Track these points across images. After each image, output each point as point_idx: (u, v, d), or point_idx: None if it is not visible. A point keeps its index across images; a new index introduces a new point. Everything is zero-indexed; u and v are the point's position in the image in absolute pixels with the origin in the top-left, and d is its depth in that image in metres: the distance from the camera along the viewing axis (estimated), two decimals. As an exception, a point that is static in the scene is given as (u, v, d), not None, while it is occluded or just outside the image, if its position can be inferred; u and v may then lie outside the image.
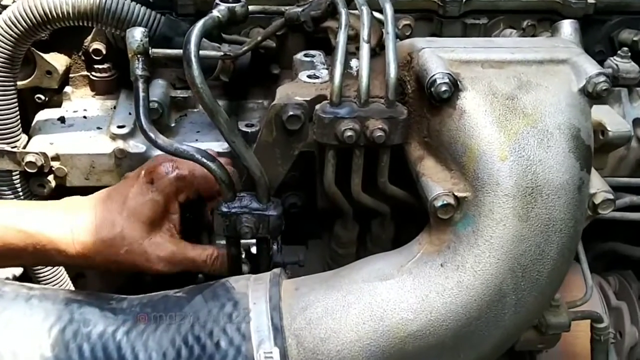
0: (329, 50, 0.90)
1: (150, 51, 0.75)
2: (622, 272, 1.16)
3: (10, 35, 0.88)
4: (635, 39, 1.05)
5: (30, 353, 0.62)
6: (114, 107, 1.03)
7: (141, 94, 0.73)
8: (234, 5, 0.76)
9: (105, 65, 1.04)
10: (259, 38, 0.89)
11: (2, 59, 0.88)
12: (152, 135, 0.72)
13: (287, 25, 0.86)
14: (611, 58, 1.02)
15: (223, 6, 0.75)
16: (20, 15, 0.87)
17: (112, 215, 0.77)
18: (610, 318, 1.08)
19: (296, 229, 0.92)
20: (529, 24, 1.06)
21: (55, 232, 0.76)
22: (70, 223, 0.77)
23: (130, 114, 1.00)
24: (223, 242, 0.82)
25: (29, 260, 0.78)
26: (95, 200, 0.80)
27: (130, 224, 0.77)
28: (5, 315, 0.64)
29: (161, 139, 0.72)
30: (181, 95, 1.04)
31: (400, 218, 0.87)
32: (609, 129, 0.85)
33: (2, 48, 0.88)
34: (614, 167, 0.96)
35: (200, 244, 0.86)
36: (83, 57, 1.05)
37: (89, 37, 1.03)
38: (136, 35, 0.73)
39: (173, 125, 1.01)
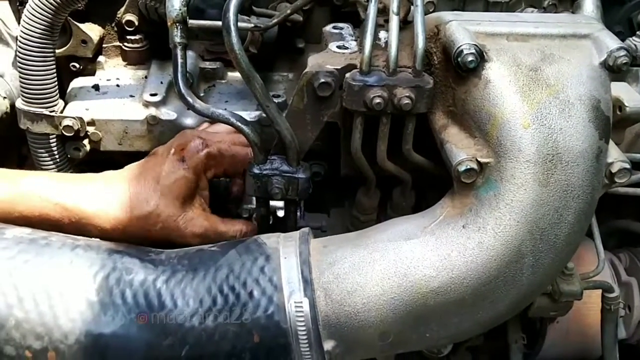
0: (354, 23, 0.93)
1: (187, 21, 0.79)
2: (633, 249, 1.19)
3: (50, 4, 0.91)
4: (653, 20, 1.07)
5: (77, 296, 0.67)
6: (146, 77, 1.06)
7: (179, 61, 0.76)
8: (269, -22, 0.79)
9: (137, 37, 1.08)
10: (288, 11, 0.91)
11: (42, 27, 0.92)
12: (190, 99, 0.76)
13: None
14: (630, 38, 1.04)
15: (259, -21, 0.78)
16: (61, -16, 0.90)
17: (146, 193, 0.79)
18: (620, 292, 1.12)
19: (318, 197, 0.96)
20: (550, 3, 1.08)
21: (91, 207, 0.78)
22: (105, 199, 0.79)
23: (161, 82, 1.03)
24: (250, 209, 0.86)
25: (67, 231, 0.79)
26: (129, 176, 0.82)
27: (165, 201, 0.79)
28: (53, 262, 0.68)
29: (199, 104, 0.76)
30: (210, 67, 1.07)
31: (421, 187, 0.90)
32: (626, 104, 0.87)
33: (43, 16, 0.91)
34: (630, 144, 0.99)
35: (229, 216, 0.90)
36: (116, 28, 1.08)
37: (122, 9, 1.06)
38: (175, 4, 0.76)
39: (202, 95, 1.05)
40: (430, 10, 1.06)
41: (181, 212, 0.79)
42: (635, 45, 1.03)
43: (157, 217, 0.78)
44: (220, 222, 0.83)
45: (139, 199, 0.78)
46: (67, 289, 0.66)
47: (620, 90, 0.90)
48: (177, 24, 0.77)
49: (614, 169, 0.71)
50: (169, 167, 0.80)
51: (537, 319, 1.06)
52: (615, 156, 0.72)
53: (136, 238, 0.79)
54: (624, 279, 1.15)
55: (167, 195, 0.79)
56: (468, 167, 0.69)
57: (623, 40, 1.04)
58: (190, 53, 1.06)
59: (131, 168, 0.83)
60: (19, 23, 1.03)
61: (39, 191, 0.77)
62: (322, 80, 0.76)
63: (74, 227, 0.78)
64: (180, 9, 0.77)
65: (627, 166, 0.71)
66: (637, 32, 1.04)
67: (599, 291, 0.97)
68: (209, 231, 0.81)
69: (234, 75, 1.07)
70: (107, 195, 0.79)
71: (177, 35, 0.77)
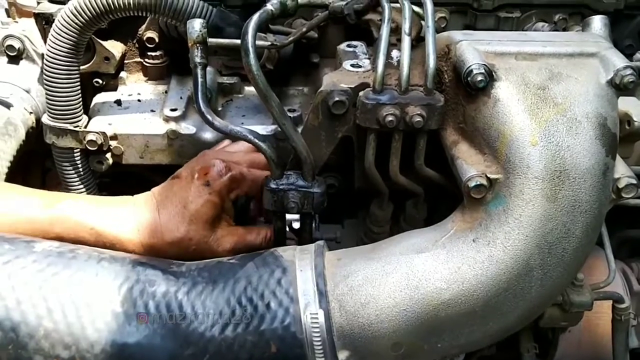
0: (367, 40, 0.96)
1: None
2: (645, 259, 1.20)
3: (76, 24, 0.94)
4: (664, 34, 1.08)
5: (102, 307, 0.70)
6: (166, 92, 1.10)
7: (199, 80, 0.80)
8: (285, -1, 0.82)
9: (157, 53, 1.12)
10: (304, 29, 0.94)
11: (68, 46, 0.95)
12: (209, 117, 0.79)
13: (331, 17, 0.91)
14: (640, 52, 1.06)
15: (276, 0, 0.81)
16: (86, 6, 0.93)
17: (176, 220, 0.82)
18: (632, 302, 1.13)
19: (333, 209, 0.98)
20: (561, 17, 1.10)
21: (124, 233, 0.81)
22: (137, 225, 0.82)
23: (181, 98, 1.07)
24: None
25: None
26: (157, 202, 0.84)
27: (194, 227, 0.82)
28: (80, 274, 0.72)
29: (217, 121, 0.79)
30: (227, 82, 1.11)
31: (433, 199, 0.92)
32: (635, 119, 0.89)
33: (69, 35, 0.95)
34: (640, 157, 1.01)
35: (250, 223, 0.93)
36: (137, 45, 1.12)
37: (143, 26, 1.10)
38: (196, 26, 0.79)
39: (220, 109, 1.08)
40: (442, 26, 1.09)
41: (210, 233, 0.83)
42: (645, 58, 1.04)
43: (189, 241, 0.81)
44: (247, 233, 0.87)
45: (169, 227, 0.81)
46: (93, 300, 0.70)
47: (629, 104, 0.91)
48: (198, 45, 0.80)
49: (621, 185, 0.73)
50: (195, 193, 0.83)
51: (549, 329, 1.08)
52: (622, 172, 0.74)
53: (170, 258, 0.81)
54: (635, 288, 1.16)
55: (196, 220, 0.82)
56: (478, 182, 0.71)
57: (633, 53, 1.07)
58: (208, 68, 1.09)
59: (158, 193, 0.85)
60: (44, 41, 1.08)
61: (76, 215, 0.80)
62: (337, 98, 0.78)
63: (107, 248, 0.81)
64: (200, 31, 0.80)
65: (634, 181, 0.73)
66: (647, 46, 1.06)
67: (611, 301, 0.99)
68: (238, 244, 0.85)
69: (251, 89, 1.10)
70: (138, 222, 0.82)
71: (197, 56, 0.80)
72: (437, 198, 0.92)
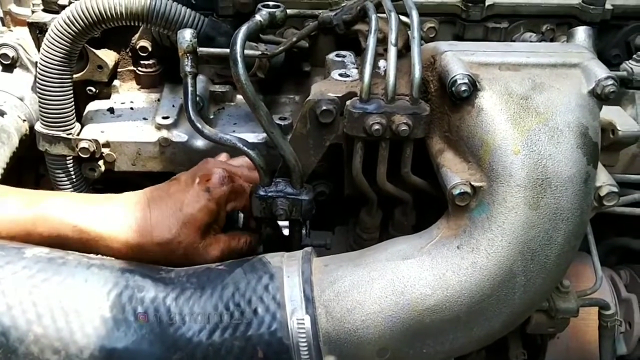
0: (357, 49, 0.97)
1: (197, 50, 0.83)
2: (633, 266, 1.21)
3: (69, 33, 0.96)
4: (650, 44, 1.10)
5: (92, 313, 0.71)
6: (158, 100, 1.11)
7: (189, 89, 0.81)
8: (274, 10, 0.84)
9: (150, 61, 1.13)
10: (294, 39, 0.95)
11: (61, 55, 0.97)
12: (199, 125, 0.80)
13: (320, 28, 0.93)
14: (627, 62, 1.07)
15: (265, 11, 0.83)
16: (78, 15, 0.95)
17: (168, 220, 0.80)
18: (620, 309, 1.14)
19: (323, 216, 1.00)
20: (548, 28, 1.12)
21: (109, 230, 0.79)
22: (125, 223, 0.80)
23: (173, 106, 1.08)
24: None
25: (86, 252, 0.79)
26: (150, 201, 0.82)
27: (187, 230, 0.81)
28: (70, 280, 0.72)
29: (207, 129, 0.80)
30: (219, 90, 1.12)
31: (421, 206, 0.94)
32: (618, 128, 0.90)
33: (62, 44, 0.96)
34: (626, 165, 1.02)
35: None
36: (130, 54, 1.14)
37: (136, 35, 1.12)
38: (186, 36, 0.81)
39: (212, 117, 1.09)
40: (432, 36, 1.11)
41: (200, 240, 0.82)
42: (631, 68, 1.06)
43: (179, 244, 0.81)
44: (231, 239, 0.87)
45: (160, 226, 0.80)
46: (82, 306, 0.70)
47: (613, 113, 0.93)
48: (188, 54, 0.81)
49: (603, 193, 0.75)
50: (193, 196, 0.82)
51: (537, 335, 1.09)
52: (604, 180, 0.75)
53: (154, 261, 0.80)
54: (624, 295, 1.17)
55: (189, 224, 0.81)
56: (462, 190, 0.73)
57: (620, 63, 1.08)
58: (200, 77, 1.11)
59: (152, 192, 0.84)
60: (38, 49, 1.09)
61: (58, 213, 0.79)
62: (324, 107, 0.80)
63: (92, 249, 0.80)
64: (190, 40, 0.81)
65: (615, 190, 0.74)
66: (634, 55, 1.07)
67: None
68: (224, 251, 0.85)
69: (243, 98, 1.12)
70: (127, 219, 0.80)
71: (187, 65, 0.81)
72: (426, 205, 0.93)
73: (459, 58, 0.76)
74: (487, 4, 1.08)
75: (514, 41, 1.11)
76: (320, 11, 0.96)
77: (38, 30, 1.06)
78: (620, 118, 0.91)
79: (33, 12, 1.09)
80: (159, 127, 1.04)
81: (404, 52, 0.86)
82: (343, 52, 0.94)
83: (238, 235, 0.89)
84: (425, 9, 1.08)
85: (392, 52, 0.77)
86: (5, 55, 1.11)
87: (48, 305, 0.70)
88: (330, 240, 1.03)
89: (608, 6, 1.10)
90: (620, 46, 1.15)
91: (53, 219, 0.79)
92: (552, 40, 1.12)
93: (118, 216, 0.81)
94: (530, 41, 1.10)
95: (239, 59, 0.75)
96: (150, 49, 1.12)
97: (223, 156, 0.96)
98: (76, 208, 0.80)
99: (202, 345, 0.71)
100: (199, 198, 0.82)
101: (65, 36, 0.96)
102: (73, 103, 1.03)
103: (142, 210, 0.81)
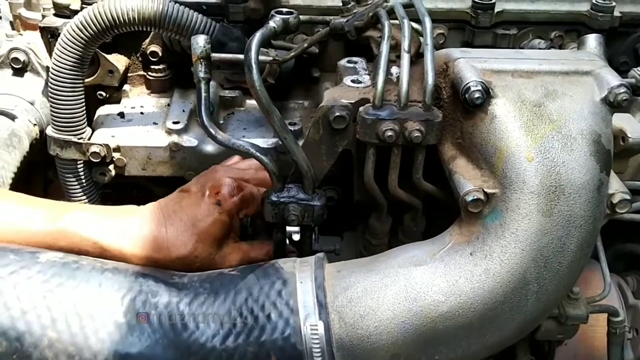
0: (367, 56, 0.98)
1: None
2: (640, 273, 1.21)
3: (82, 38, 0.97)
4: (658, 51, 1.10)
5: (106, 318, 0.71)
6: (169, 105, 1.12)
7: (203, 94, 0.81)
8: (288, 16, 0.84)
9: (160, 66, 1.14)
10: (305, 45, 0.96)
11: (73, 59, 0.97)
12: (212, 131, 0.80)
13: (332, 34, 0.93)
14: (635, 69, 1.07)
15: (278, 17, 0.83)
16: (91, 20, 0.95)
17: (183, 237, 0.81)
18: (628, 315, 1.14)
19: (332, 221, 1.00)
20: (557, 34, 1.13)
21: (129, 247, 0.80)
22: (143, 240, 0.80)
23: (183, 111, 1.09)
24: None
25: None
26: (164, 217, 0.82)
27: (202, 245, 0.82)
28: (84, 285, 0.73)
29: (220, 135, 0.81)
30: (229, 95, 1.13)
31: (431, 213, 0.94)
32: (629, 135, 0.90)
33: (74, 49, 0.97)
34: (635, 172, 1.02)
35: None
36: (140, 58, 1.14)
37: (147, 40, 1.12)
38: (200, 42, 0.81)
39: (222, 122, 1.10)
40: (441, 42, 1.11)
41: (217, 251, 0.83)
42: (639, 75, 1.06)
43: (195, 258, 0.81)
44: (251, 249, 0.88)
45: (176, 243, 0.81)
46: (96, 311, 0.71)
47: (624, 121, 0.93)
48: (202, 60, 0.82)
49: (615, 200, 0.75)
50: (205, 211, 0.83)
51: (545, 342, 1.09)
52: (616, 187, 0.76)
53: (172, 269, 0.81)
54: (631, 302, 1.17)
55: (204, 239, 0.82)
56: (475, 197, 0.73)
57: (628, 70, 1.09)
58: (211, 82, 1.11)
59: (165, 206, 0.84)
60: (49, 54, 1.10)
61: (80, 229, 0.79)
62: (337, 114, 0.80)
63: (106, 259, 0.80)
64: (204, 46, 0.81)
65: (628, 197, 0.75)
66: (642, 63, 1.08)
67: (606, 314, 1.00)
68: (243, 260, 0.86)
69: (252, 103, 1.12)
70: (143, 236, 0.81)
71: (201, 71, 0.82)
72: (435, 211, 0.94)
73: (472, 65, 0.76)
74: (496, 10, 1.09)
75: (522, 48, 1.12)
76: (331, 17, 0.96)
77: (50, 35, 1.07)
78: (630, 125, 0.91)
79: (44, 16, 1.10)
80: (170, 131, 1.04)
81: (414, 59, 0.87)
82: (354, 58, 0.94)
83: (259, 245, 0.89)
84: (434, 15, 1.07)
85: (405, 58, 0.78)
86: (16, 60, 1.11)
87: (62, 310, 0.70)
88: (339, 245, 1.04)
89: (616, 13, 1.10)
90: (628, 53, 1.16)
91: (74, 235, 0.79)
92: (560, 47, 1.13)
93: (134, 232, 0.81)
94: (539, 48, 1.10)
95: (253, 65, 0.75)
96: (160, 54, 1.12)
97: (235, 158, 0.96)
98: (96, 224, 0.81)
99: (216, 350, 0.71)
100: (210, 212, 0.83)
101: (78, 41, 0.97)
102: (84, 108, 1.03)
103: (158, 226, 0.81)
